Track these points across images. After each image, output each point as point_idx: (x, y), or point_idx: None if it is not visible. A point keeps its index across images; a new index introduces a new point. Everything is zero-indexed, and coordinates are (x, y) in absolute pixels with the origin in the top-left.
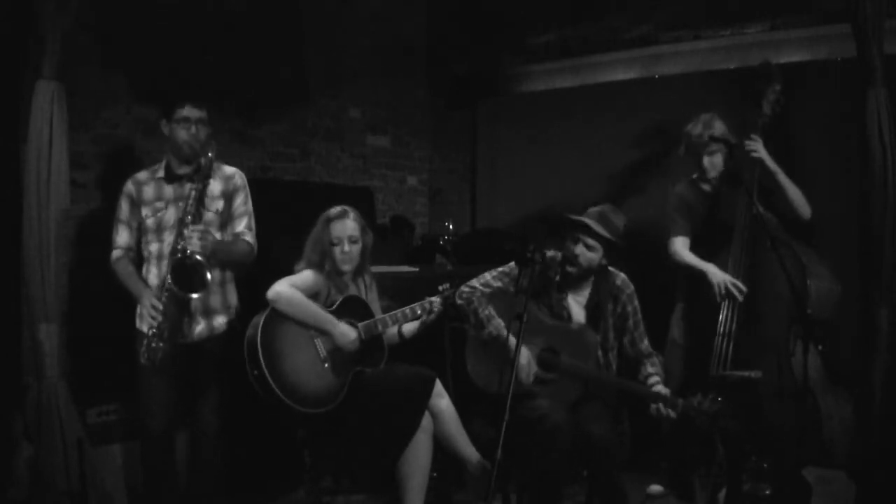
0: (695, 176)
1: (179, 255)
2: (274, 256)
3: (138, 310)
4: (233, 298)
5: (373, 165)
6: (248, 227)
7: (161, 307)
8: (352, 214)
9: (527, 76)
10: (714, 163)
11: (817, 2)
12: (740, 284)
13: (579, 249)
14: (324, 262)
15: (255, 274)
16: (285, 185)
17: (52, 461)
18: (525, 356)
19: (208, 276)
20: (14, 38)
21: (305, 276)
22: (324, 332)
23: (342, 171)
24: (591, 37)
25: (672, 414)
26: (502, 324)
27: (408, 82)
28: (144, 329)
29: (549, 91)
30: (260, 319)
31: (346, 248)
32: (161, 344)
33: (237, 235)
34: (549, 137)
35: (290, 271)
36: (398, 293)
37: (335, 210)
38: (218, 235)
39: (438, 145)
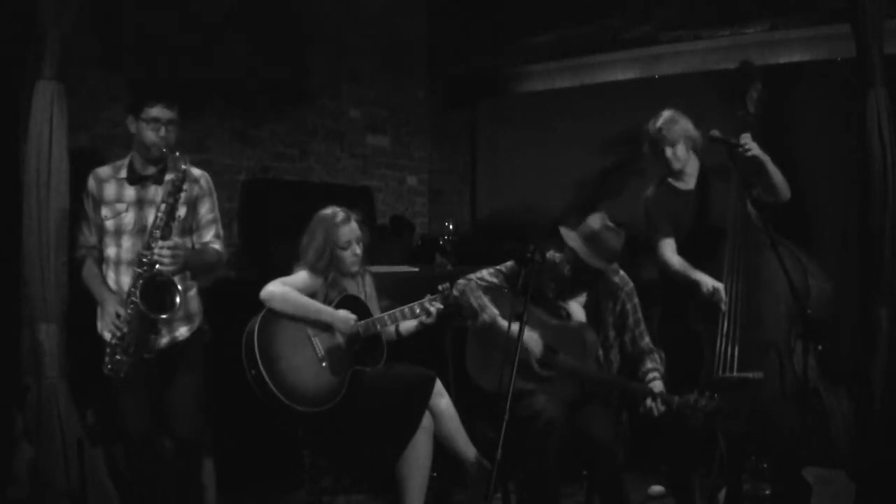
0: (667, 177)
1: (146, 271)
2: (274, 260)
3: (99, 313)
4: (194, 306)
5: (372, 165)
6: (217, 236)
7: (126, 317)
8: (353, 216)
9: (527, 76)
10: (678, 154)
11: (817, 2)
12: (724, 293)
13: (568, 271)
14: (329, 265)
15: (255, 276)
16: (285, 185)
17: (51, 461)
18: (531, 336)
19: (178, 299)
20: (14, 38)
21: (301, 276)
22: (322, 324)
23: (342, 171)
24: (591, 37)
25: (662, 408)
26: (496, 312)
27: (408, 82)
28: (107, 336)
29: (549, 91)
30: (256, 321)
31: (357, 250)
32: (125, 357)
33: (205, 244)
34: (549, 137)
35: (288, 273)
36: (398, 293)
37: (340, 214)
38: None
39: (438, 145)
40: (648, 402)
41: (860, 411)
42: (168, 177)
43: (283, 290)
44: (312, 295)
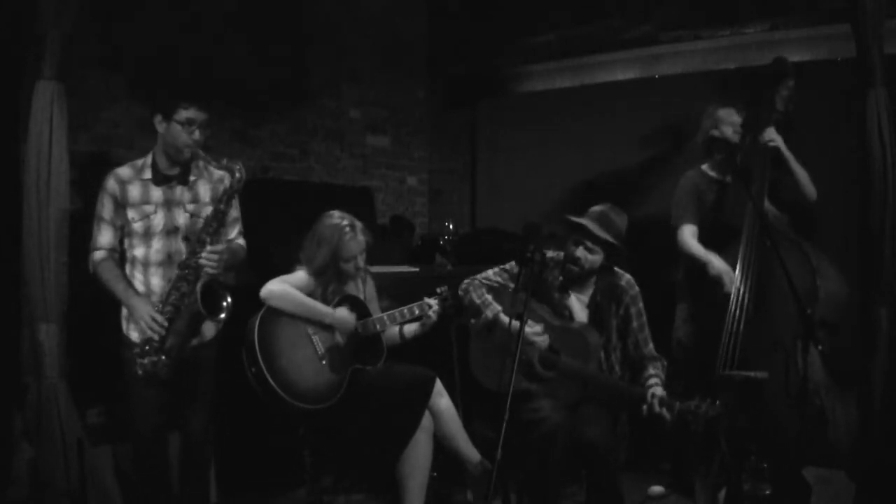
0: (704, 165)
1: (190, 273)
2: (274, 261)
3: (124, 313)
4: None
5: (373, 165)
6: (241, 233)
7: (164, 321)
8: (359, 227)
9: (527, 76)
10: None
11: (817, 2)
12: (737, 280)
13: (580, 252)
14: (332, 275)
15: (255, 278)
16: (285, 185)
17: (51, 461)
18: (535, 330)
19: (227, 300)
20: (14, 38)
21: (299, 276)
22: (321, 323)
23: (342, 171)
24: (591, 37)
25: (666, 415)
26: (499, 308)
27: (408, 82)
28: (133, 338)
29: (549, 91)
30: (256, 319)
31: (361, 262)
32: (163, 357)
33: (231, 241)
34: (549, 137)
35: (288, 273)
36: (398, 293)
37: (347, 229)
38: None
39: (438, 145)
40: (657, 407)
41: (860, 411)
42: (194, 175)
43: (282, 287)
44: (311, 294)
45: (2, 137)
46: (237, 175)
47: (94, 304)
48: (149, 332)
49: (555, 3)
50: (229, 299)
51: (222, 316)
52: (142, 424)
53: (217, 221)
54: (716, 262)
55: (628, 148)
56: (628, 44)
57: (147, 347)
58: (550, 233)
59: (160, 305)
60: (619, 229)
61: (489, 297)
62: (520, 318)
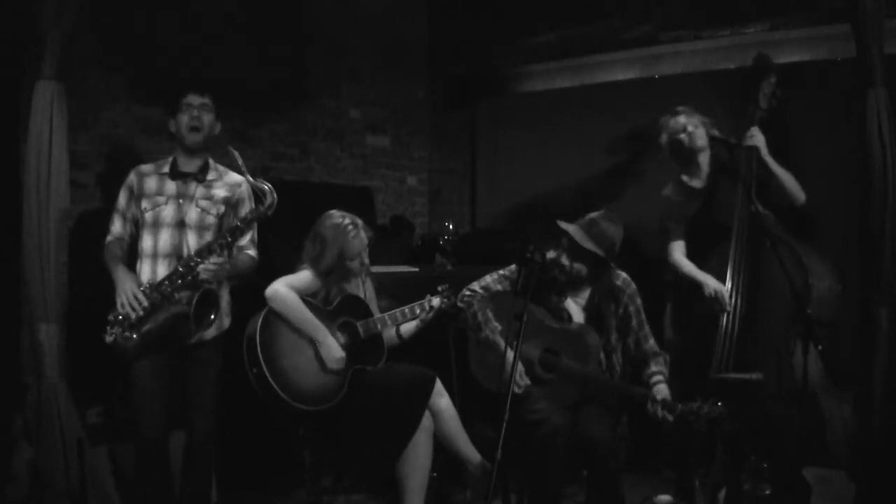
0: (683, 176)
1: (186, 271)
2: (275, 263)
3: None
4: (224, 307)
5: (373, 165)
6: (252, 241)
7: (144, 302)
8: (360, 224)
9: (527, 76)
10: (700, 161)
11: (817, 2)
12: (726, 298)
13: (564, 259)
14: (337, 274)
15: (254, 278)
16: (285, 185)
17: (51, 461)
18: (518, 365)
19: (213, 316)
20: (14, 38)
21: (304, 276)
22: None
23: (342, 171)
24: (591, 37)
25: (669, 417)
26: (498, 328)
27: (408, 82)
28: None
29: (549, 91)
30: (258, 318)
31: (365, 259)
32: (135, 336)
33: (241, 249)
34: (549, 137)
35: (289, 273)
36: (398, 293)
37: (350, 227)
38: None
39: (438, 145)
40: (660, 412)
41: (860, 411)
42: (212, 176)
43: (286, 293)
44: (314, 293)
45: (2, 137)
46: (269, 200)
47: (94, 304)
48: (126, 308)
49: (555, 3)
50: (213, 317)
51: (209, 330)
52: (143, 424)
53: (233, 236)
54: (710, 283)
55: (628, 148)
56: (628, 44)
57: (121, 318)
58: (551, 233)
59: (148, 289)
60: (611, 238)
61: (490, 315)
62: (519, 318)
